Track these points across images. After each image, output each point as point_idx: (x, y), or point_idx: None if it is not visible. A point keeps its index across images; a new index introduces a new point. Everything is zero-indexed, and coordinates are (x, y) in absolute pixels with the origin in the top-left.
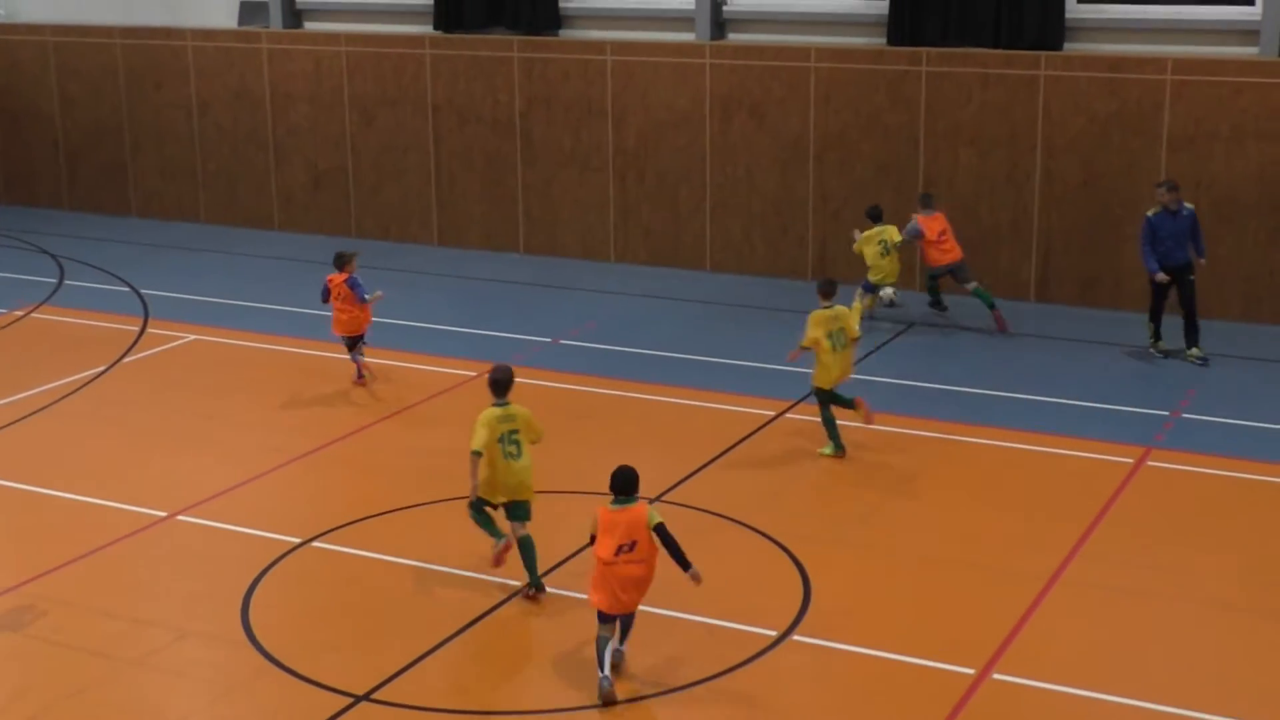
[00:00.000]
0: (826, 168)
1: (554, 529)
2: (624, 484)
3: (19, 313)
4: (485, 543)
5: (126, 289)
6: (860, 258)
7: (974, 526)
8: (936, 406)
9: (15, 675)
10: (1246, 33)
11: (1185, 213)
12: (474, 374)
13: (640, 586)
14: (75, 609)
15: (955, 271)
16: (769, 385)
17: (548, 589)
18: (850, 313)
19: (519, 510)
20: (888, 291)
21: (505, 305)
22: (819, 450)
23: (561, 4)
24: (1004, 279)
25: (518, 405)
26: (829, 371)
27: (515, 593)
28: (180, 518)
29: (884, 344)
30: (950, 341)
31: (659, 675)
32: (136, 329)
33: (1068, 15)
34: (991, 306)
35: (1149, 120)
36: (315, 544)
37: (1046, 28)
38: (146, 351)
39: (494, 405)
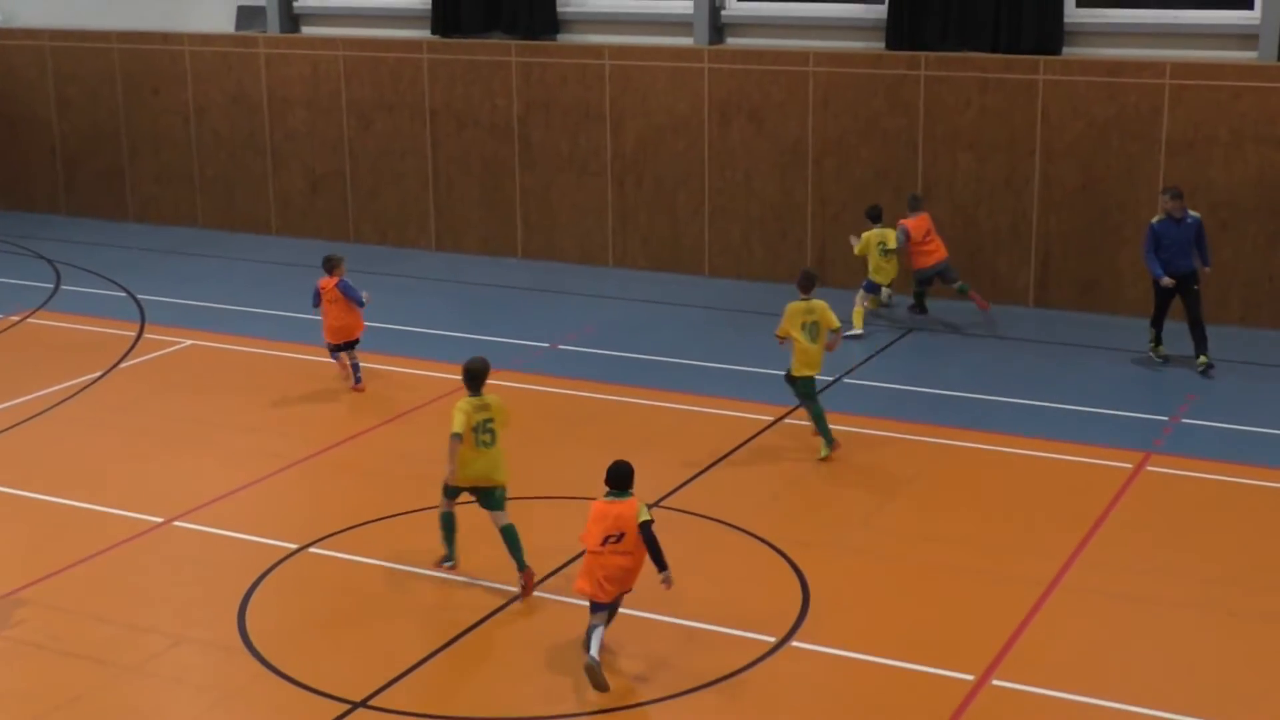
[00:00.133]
0: (825, 172)
1: (551, 534)
2: (619, 477)
3: (15, 318)
4: (482, 549)
5: (123, 294)
6: (860, 260)
7: (973, 531)
8: (935, 411)
9: (11, 681)
10: (1245, 37)
11: (1190, 221)
12: None
13: (623, 579)
14: (71, 615)
15: (943, 273)
16: (767, 390)
17: (548, 596)
18: (826, 306)
19: (491, 499)
20: (885, 291)
21: (503, 310)
22: (818, 456)
23: (559, 8)
24: (1003, 284)
25: (492, 395)
26: (802, 362)
27: (513, 599)
28: (177, 523)
29: (883, 349)
30: (949, 346)
31: (657, 681)
32: (133, 334)
33: (1066, 19)
34: (964, 292)
35: (1148, 125)
36: (312, 550)
37: (1045, 32)
38: (143, 357)
39: (469, 396)
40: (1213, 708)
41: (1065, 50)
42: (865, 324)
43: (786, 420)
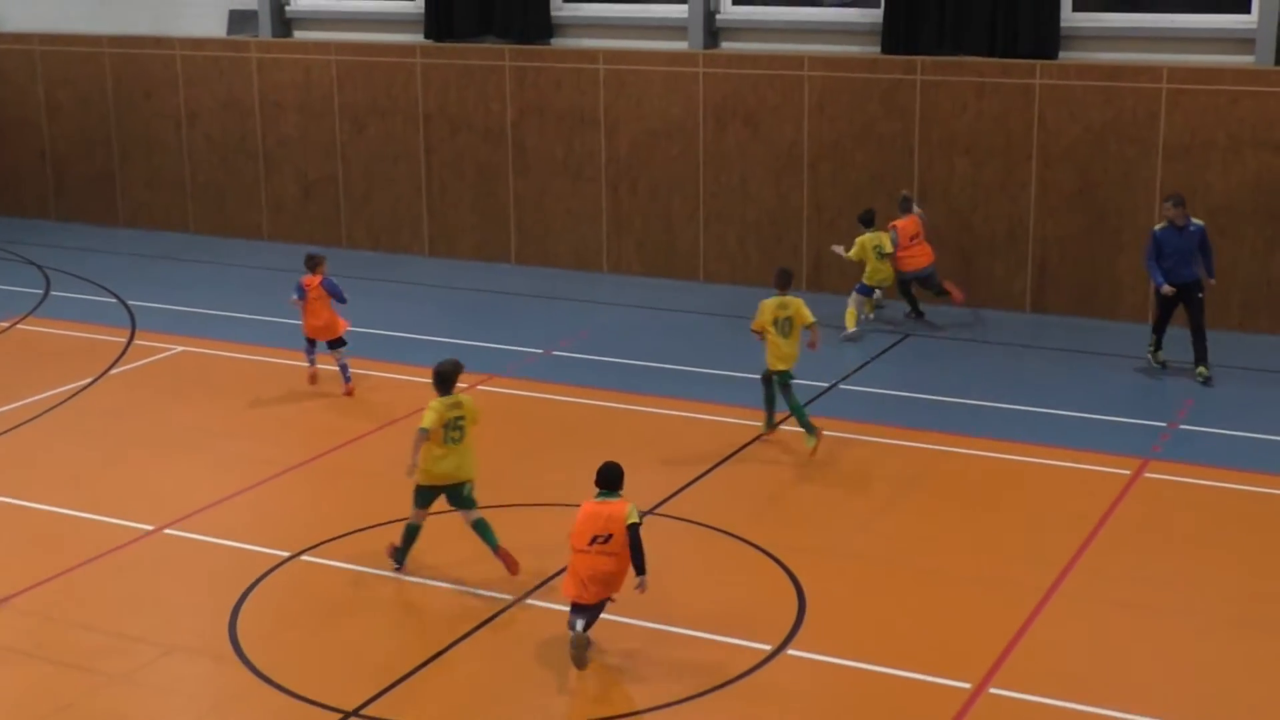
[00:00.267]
0: (821, 177)
1: (545, 542)
2: (609, 478)
3: (4, 324)
4: (477, 556)
5: (113, 300)
6: (853, 263)
7: (970, 539)
8: (932, 417)
9: None
10: (1242, 41)
11: (1192, 229)
12: (465, 385)
13: (608, 580)
14: (60, 623)
15: (925, 279)
16: (763, 396)
17: (542, 604)
18: (801, 303)
19: (460, 496)
20: (877, 294)
21: (497, 316)
22: (805, 445)
23: (553, 12)
24: (999, 289)
25: (463, 395)
26: (775, 356)
27: (507, 606)
28: (167, 531)
29: (879, 354)
30: (945, 352)
31: (653, 690)
32: (124, 340)
33: (1063, 24)
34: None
35: (1145, 129)
36: (304, 557)
37: (1042, 36)
38: (134, 363)
39: (441, 397)
40: (1212, 715)
41: (1062, 55)
42: (864, 327)
43: (782, 426)
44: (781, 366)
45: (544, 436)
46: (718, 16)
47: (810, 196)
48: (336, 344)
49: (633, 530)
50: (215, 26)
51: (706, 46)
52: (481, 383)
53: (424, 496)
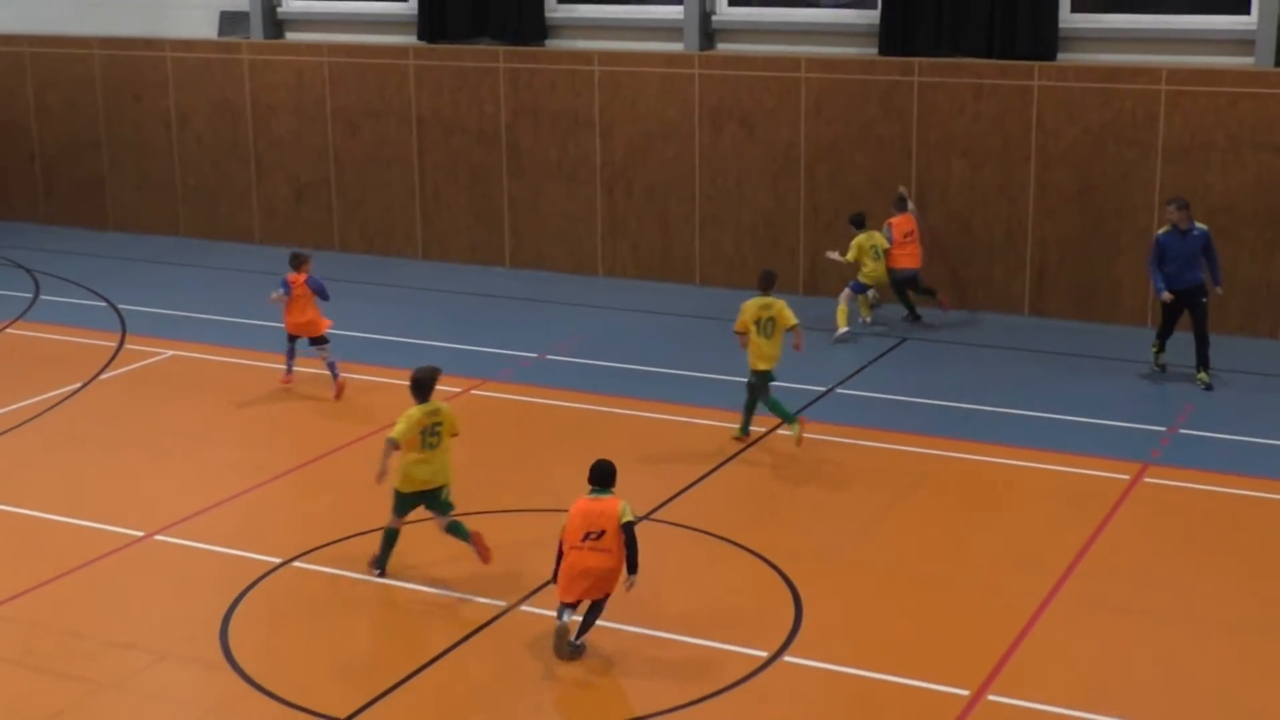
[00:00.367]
0: (818, 179)
1: (539, 549)
2: (602, 475)
3: None
4: (469, 562)
5: (103, 304)
6: (851, 266)
7: (968, 544)
8: (929, 421)
9: None
10: (1242, 42)
11: (1196, 233)
12: (459, 390)
13: (598, 579)
14: (50, 631)
15: (910, 281)
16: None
17: (535, 610)
18: (784, 305)
19: (437, 501)
20: (872, 293)
21: (491, 320)
22: (792, 434)
23: (548, 14)
24: (998, 292)
25: (441, 402)
26: (756, 356)
27: (501, 613)
28: (158, 537)
29: (877, 358)
30: (944, 356)
31: (648, 697)
32: (114, 345)
33: (1061, 25)
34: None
35: (1144, 131)
36: (296, 564)
37: (1040, 37)
38: (124, 368)
39: (417, 405)
40: None
41: (1060, 56)
42: (864, 330)
43: (779, 431)
44: (763, 366)
45: (538, 441)
46: (713, 18)
47: (807, 199)
48: (318, 341)
49: (628, 528)
50: (206, 28)
51: (702, 48)
52: (475, 387)
53: (404, 504)
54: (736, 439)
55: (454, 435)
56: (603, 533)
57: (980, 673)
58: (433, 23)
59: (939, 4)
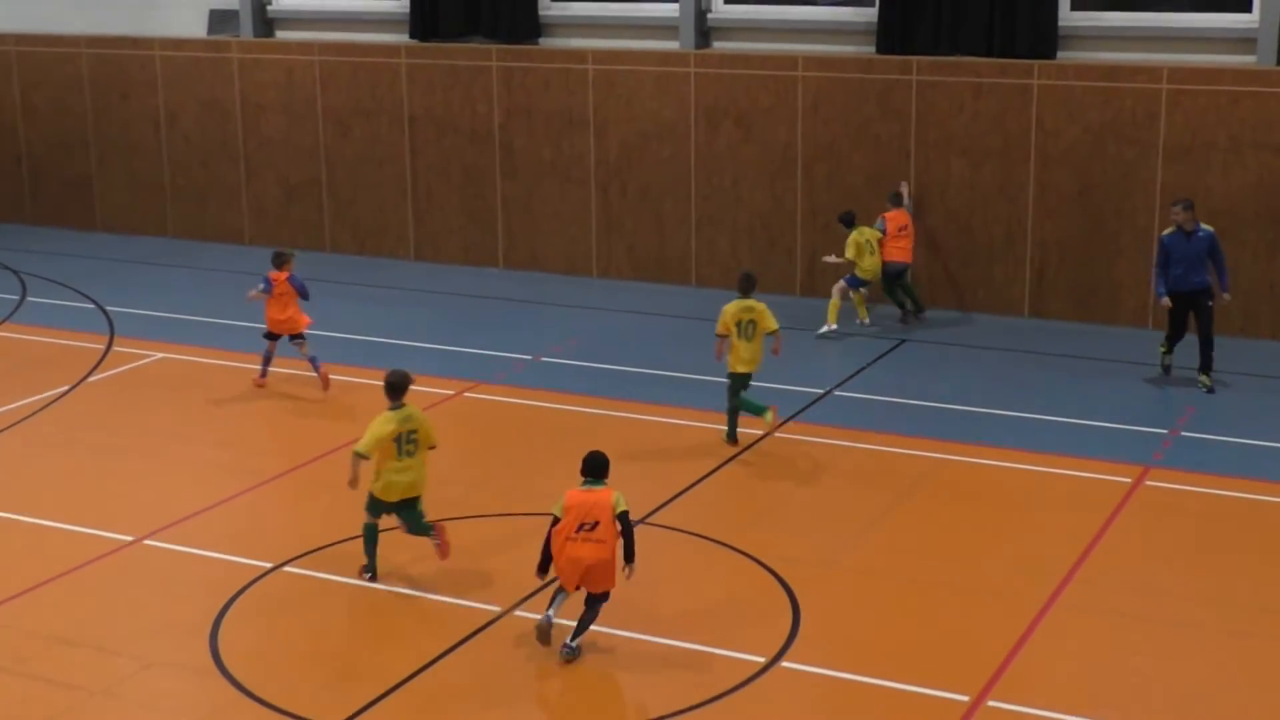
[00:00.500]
0: (816, 179)
1: (532, 553)
2: (595, 466)
3: None
4: (462, 567)
5: (91, 305)
6: (849, 264)
7: (968, 548)
8: (929, 425)
9: None
10: (1244, 41)
11: (1201, 234)
12: (452, 393)
13: (591, 569)
14: (38, 637)
15: (899, 277)
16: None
17: (529, 615)
18: (765, 308)
19: (414, 513)
20: (864, 291)
21: (484, 321)
22: (765, 421)
23: (541, 12)
24: (998, 293)
25: (414, 407)
26: (736, 358)
27: (495, 618)
28: (148, 542)
29: (875, 360)
30: (942, 358)
31: (645, 703)
32: (102, 347)
33: (1061, 23)
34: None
35: (1144, 130)
36: (287, 569)
37: (1039, 36)
38: (112, 370)
39: (390, 409)
40: None
41: (1060, 54)
42: (862, 329)
43: (776, 434)
44: (743, 369)
45: (533, 445)
46: (709, 16)
47: (805, 199)
48: (297, 338)
49: (623, 518)
50: (195, 26)
51: (698, 46)
52: (469, 390)
53: (378, 509)
54: (727, 444)
55: (431, 448)
56: (596, 523)
57: (980, 678)
58: (425, 21)
59: (938, 2)
